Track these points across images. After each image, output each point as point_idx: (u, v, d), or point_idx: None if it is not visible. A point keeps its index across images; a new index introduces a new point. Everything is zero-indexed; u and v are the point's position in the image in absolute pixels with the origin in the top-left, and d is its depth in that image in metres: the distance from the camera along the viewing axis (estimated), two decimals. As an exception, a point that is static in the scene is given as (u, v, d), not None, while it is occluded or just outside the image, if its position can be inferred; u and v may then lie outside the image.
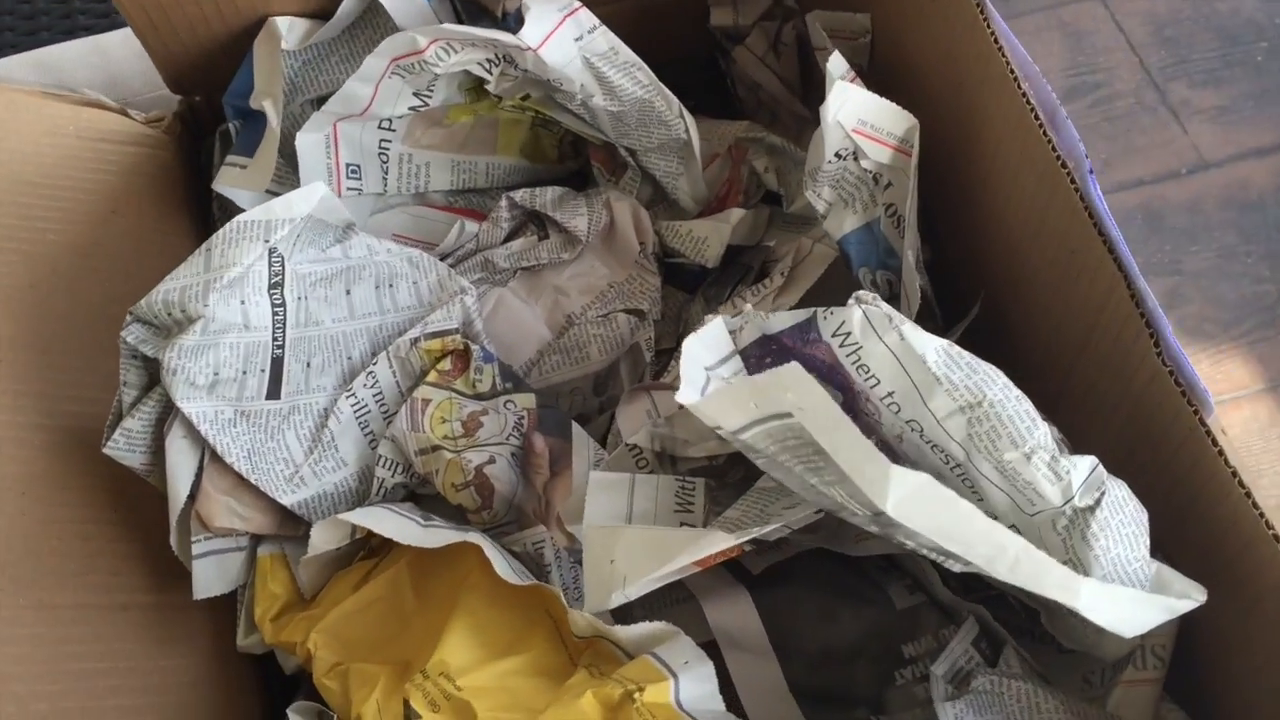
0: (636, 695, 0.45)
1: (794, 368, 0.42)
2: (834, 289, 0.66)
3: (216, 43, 0.71)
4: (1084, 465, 0.44)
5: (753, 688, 0.51)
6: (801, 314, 0.50)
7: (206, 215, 0.76)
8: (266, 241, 0.56)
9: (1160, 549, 0.50)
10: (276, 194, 0.68)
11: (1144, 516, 0.45)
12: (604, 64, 0.67)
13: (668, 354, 0.69)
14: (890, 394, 0.48)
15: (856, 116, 0.58)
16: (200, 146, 0.79)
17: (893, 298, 0.62)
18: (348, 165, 0.70)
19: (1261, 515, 0.43)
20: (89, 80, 0.84)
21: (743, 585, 0.54)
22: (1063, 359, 0.56)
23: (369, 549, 0.58)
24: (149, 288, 0.67)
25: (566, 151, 0.77)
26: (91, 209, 0.68)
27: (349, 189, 0.70)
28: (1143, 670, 0.49)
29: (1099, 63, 1.11)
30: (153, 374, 0.56)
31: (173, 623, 0.58)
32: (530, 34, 0.64)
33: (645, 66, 0.68)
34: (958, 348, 0.46)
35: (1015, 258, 0.58)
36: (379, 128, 0.71)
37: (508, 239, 0.71)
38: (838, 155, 0.60)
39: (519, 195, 0.70)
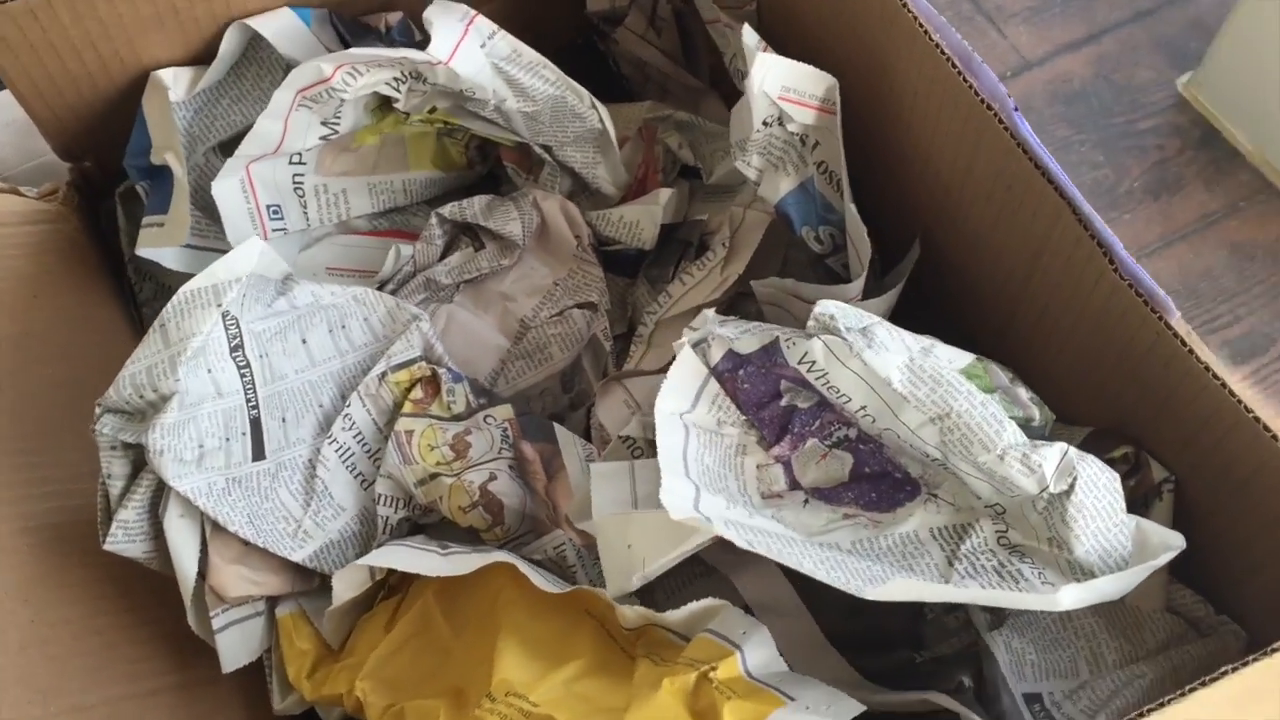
0: (711, 675, 0.46)
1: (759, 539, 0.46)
2: (772, 250, 0.69)
3: (103, 101, 0.69)
4: (1053, 454, 0.47)
5: (794, 646, 0.54)
6: (766, 336, 0.52)
7: (122, 280, 0.74)
8: (219, 306, 0.56)
9: (1139, 446, 0.54)
10: (197, 248, 0.68)
11: (1116, 482, 0.48)
12: (511, 67, 0.67)
13: (622, 339, 0.70)
14: (863, 408, 0.50)
15: (780, 84, 0.60)
16: (99, 211, 0.76)
17: (836, 250, 0.65)
18: (268, 206, 0.69)
19: (1240, 402, 0.47)
20: (-45, 160, 0.81)
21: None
22: (1009, 288, 0.60)
23: (388, 588, 0.58)
24: (90, 368, 0.65)
25: (474, 157, 0.77)
26: (12, 297, 0.66)
27: (274, 230, 0.69)
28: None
29: (912, -23, 1.15)
30: (135, 460, 0.55)
31: (203, 699, 0.57)
32: (439, 48, 0.64)
33: (550, 64, 0.68)
34: (920, 361, 0.49)
35: (948, 198, 0.61)
36: (290, 163, 0.70)
37: (444, 255, 0.71)
38: (764, 123, 0.62)
39: (447, 210, 0.70)
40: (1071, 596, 0.43)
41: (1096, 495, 0.46)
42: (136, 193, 0.74)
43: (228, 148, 0.70)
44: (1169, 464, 0.54)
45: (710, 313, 0.55)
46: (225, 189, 0.67)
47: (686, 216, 0.73)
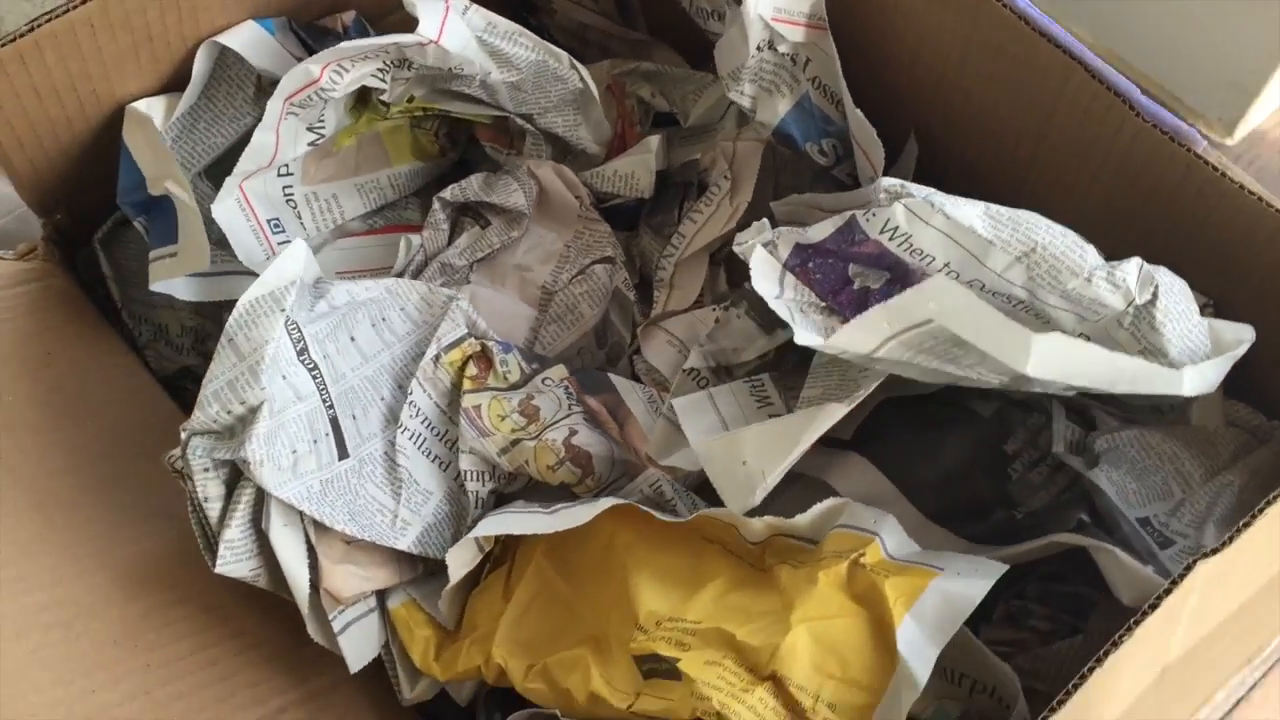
0: (861, 560, 0.48)
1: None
2: (765, 178, 0.70)
3: (79, 147, 0.67)
4: (1132, 268, 0.50)
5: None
6: (839, 219, 0.54)
7: (118, 327, 0.72)
8: (283, 311, 0.55)
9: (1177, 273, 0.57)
10: (206, 274, 0.67)
11: (1186, 286, 0.51)
12: (491, 37, 0.67)
13: (636, 290, 0.71)
14: (946, 264, 0.52)
15: (772, 6, 0.62)
16: (76, 262, 0.74)
17: (839, 160, 0.67)
18: (269, 220, 0.68)
19: (1277, 210, 0.51)
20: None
21: (850, 450, 0.58)
22: (1019, 154, 0.62)
23: (493, 560, 0.58)
24: (120, 414, 0.65)
25: (445, 144, 0.77)
26: (26, 359, 0.64)
27: (279, 243, 0.69)
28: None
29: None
30: (227, 480, 0.54)
31: (331, 706, 0.57)
32: (427, 27, 0.64)
33: (525, 30, 0.69)
34: (995, 207, 0.51)
35: (942, 85, 0.64)
36: (278, 175, 0.69)
37: (451, 239, 0.71)
38: (756, 48, 0.64)
39: (448, 193, 0.70)
40: (1190, 378, 0.47)
41: (1175, 299, 0.49)
42: (118, 237, 0.73)
43: (211, 172, 0.70)
44: (1205, 288, 0.57)
45: (764, 221, 0.56)
46: (225, 210, 0.66)
47: (671, 162, 0.75)
